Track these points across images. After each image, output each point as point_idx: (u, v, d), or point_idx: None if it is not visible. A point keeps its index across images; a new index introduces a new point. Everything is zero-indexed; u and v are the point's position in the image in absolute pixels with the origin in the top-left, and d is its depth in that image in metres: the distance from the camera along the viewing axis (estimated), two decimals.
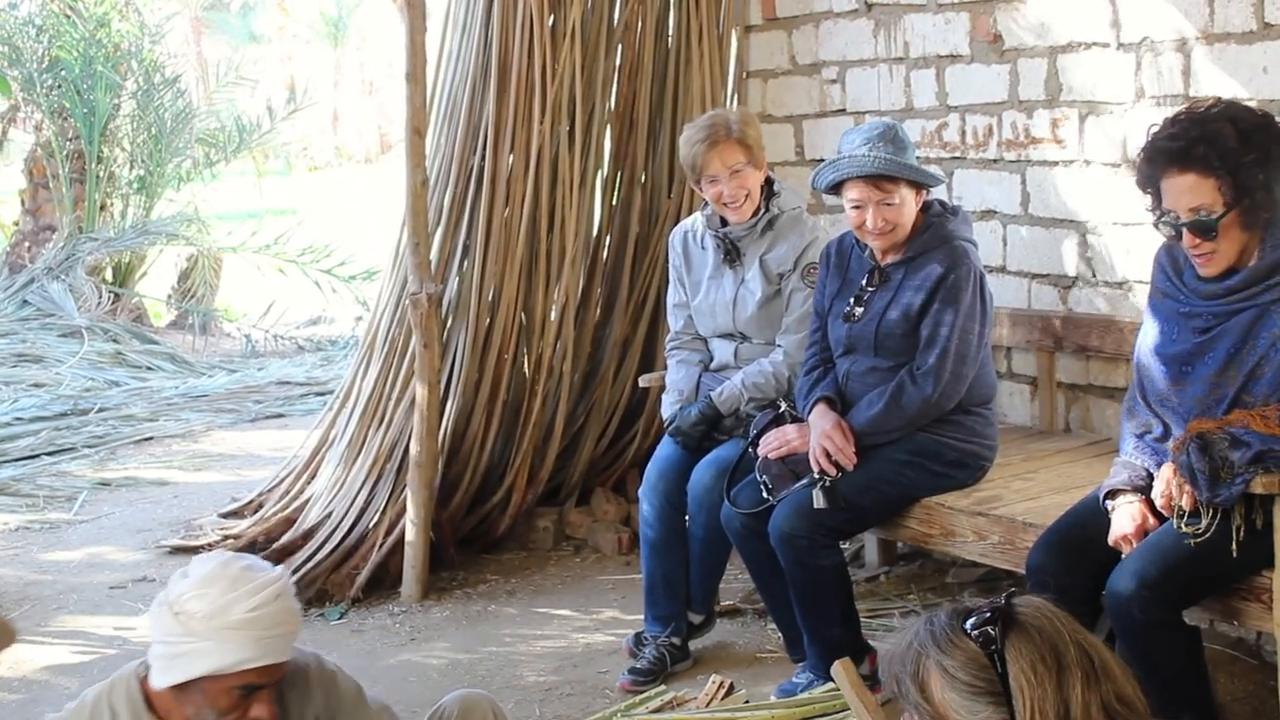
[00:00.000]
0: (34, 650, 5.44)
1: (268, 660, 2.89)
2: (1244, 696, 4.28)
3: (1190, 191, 3.67)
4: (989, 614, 2.16)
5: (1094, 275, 5.19)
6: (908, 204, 4.48)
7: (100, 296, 12.53)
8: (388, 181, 14.41)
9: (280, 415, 9.60)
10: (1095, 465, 4.69)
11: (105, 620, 5.78)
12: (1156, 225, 3.80)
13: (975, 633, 2.15)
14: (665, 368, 5.33)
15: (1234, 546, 3.63)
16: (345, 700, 3.17)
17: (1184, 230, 3.70)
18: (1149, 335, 3.91)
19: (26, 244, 14.22)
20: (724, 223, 5.03)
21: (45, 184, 14.27)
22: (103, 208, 14.16)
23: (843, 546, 4.80)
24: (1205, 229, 3.67)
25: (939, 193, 4.92)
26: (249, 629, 2.85)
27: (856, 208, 4.46)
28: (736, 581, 5.51)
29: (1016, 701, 2.10)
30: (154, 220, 14.17)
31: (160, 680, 2.92)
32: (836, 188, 4.52)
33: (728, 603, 5.42)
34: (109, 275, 13.58)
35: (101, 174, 14.07)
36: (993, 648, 2.13)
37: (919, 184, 4.50)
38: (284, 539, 6.15)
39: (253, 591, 2.88)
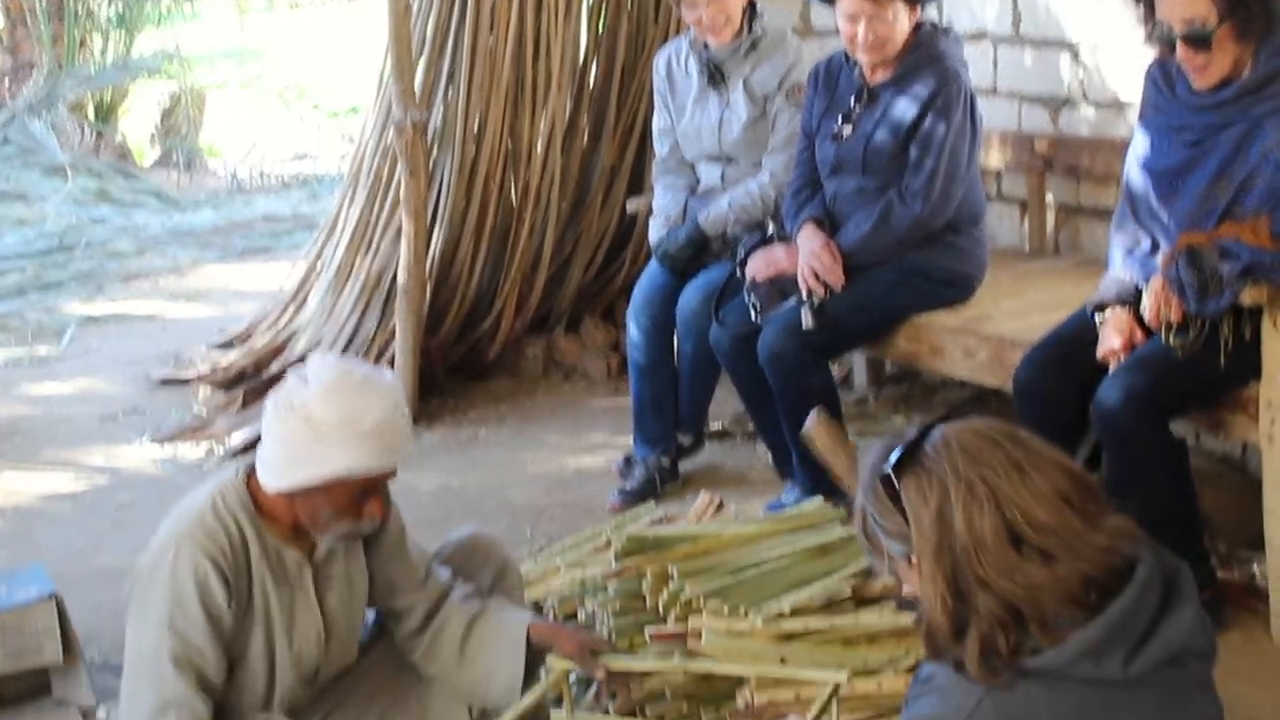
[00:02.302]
0: (26, 478, 5.48)
1: (393, 465, 3.02)
2: (1228, 507, 4.31)
3: (1183, 2, 3.62)
4: (900, 450, 2.06)
5: (1085, 96, 5.14)
6: (900, 20, 4.41)
7: (83, 134, 12.39)
8: (371, 19, 14.19)
9: (267, 249, 9.54)
10: (1084, 284, 4.64)
11: (96, 449, 5.80)
12: (1149, 39, 3.75)
13: (885, 474, 2.06)
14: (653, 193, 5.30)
15: (1222, 358, 3.65)
16: (390, 535, 3.29)
17: (1177, 42, 3.66)
18: (1139, 149, 3.89)
19: (6, 81, 14.03)
20: (708, 45, 4.96)
21: (22, 20, 14.03)
22: (82, 44, 13.92)
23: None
24: (1199, 40, 3.63)
25: (930, 14, 4.85)
26: (379, 436, 2.94)
27: (849, 20, 4.40)
28: (726, 406, 5.53)
29: (915, 543, 2.03)
30: (135, 57, 13.96)
31: (281, 482, 2.98)
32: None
33: (716, 426, 5.45)
34: (91, 113, 13.41)
35: (80, 10, 13.83)
36: (894, 489, 2.05)
37: (913, 1, 4.44)
38: (272, 368, 6.16)
39: (379, 399, 2.97)
